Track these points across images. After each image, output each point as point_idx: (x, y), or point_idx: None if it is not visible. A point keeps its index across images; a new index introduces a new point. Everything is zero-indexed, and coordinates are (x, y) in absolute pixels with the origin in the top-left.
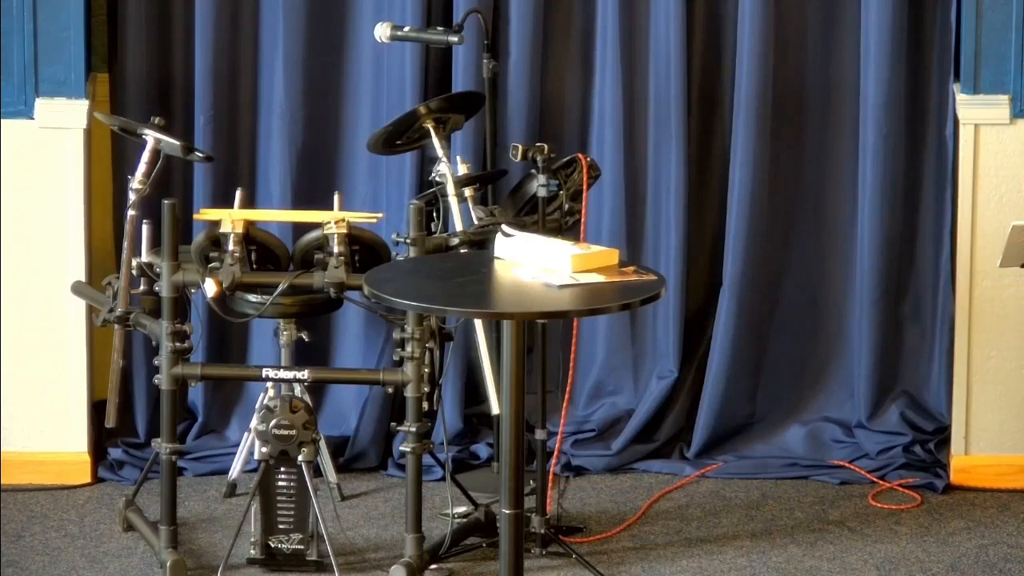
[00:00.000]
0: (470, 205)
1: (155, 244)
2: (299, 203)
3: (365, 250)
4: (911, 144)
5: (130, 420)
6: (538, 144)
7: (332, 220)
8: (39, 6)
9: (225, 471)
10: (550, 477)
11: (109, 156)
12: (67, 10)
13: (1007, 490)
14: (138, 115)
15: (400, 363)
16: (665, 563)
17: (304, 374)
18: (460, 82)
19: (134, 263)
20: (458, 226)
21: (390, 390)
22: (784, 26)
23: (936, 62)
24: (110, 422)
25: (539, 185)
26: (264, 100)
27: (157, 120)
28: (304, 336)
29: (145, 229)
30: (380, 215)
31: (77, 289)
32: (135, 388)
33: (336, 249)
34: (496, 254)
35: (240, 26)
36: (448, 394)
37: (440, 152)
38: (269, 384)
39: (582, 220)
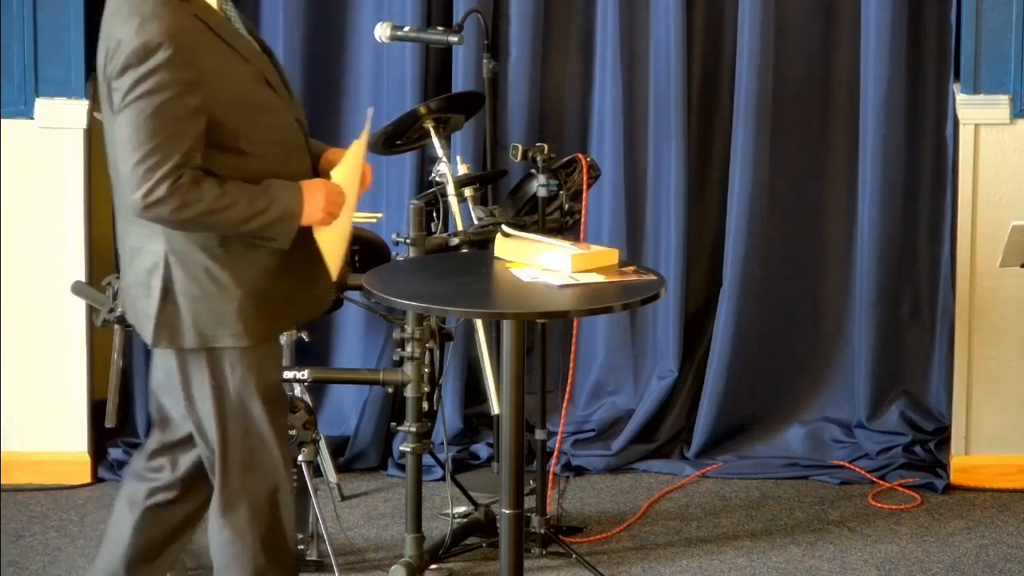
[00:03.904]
0: (470, 205)
1: None
2: None
3: (365, 250)
4: (911, 144)
5: (130, 420)
6: (538, 144)
7: None
8: (39, 6)
9: None
10: (550, 477)
11: None
12: (67, 10)
13: (1007, 490)
14: None
15: (400, 363)
16: (665, 563)
17: (304, 374)
18: (460, 82)
19: None
20: (458, 226)
21: (390, 390)
22: (784, 26)
23: (936, 62)
24: (110, 422)
25: (539, 185)
26: None
27: None
28: (304, 336)
29: None
30: (380, 215)
31: (77, 289)
32: (135, 388)
33: None
34: (496, 254)
35: None
36: (448, 394)
37: (440, 152)
38: None
39: (582, 220)
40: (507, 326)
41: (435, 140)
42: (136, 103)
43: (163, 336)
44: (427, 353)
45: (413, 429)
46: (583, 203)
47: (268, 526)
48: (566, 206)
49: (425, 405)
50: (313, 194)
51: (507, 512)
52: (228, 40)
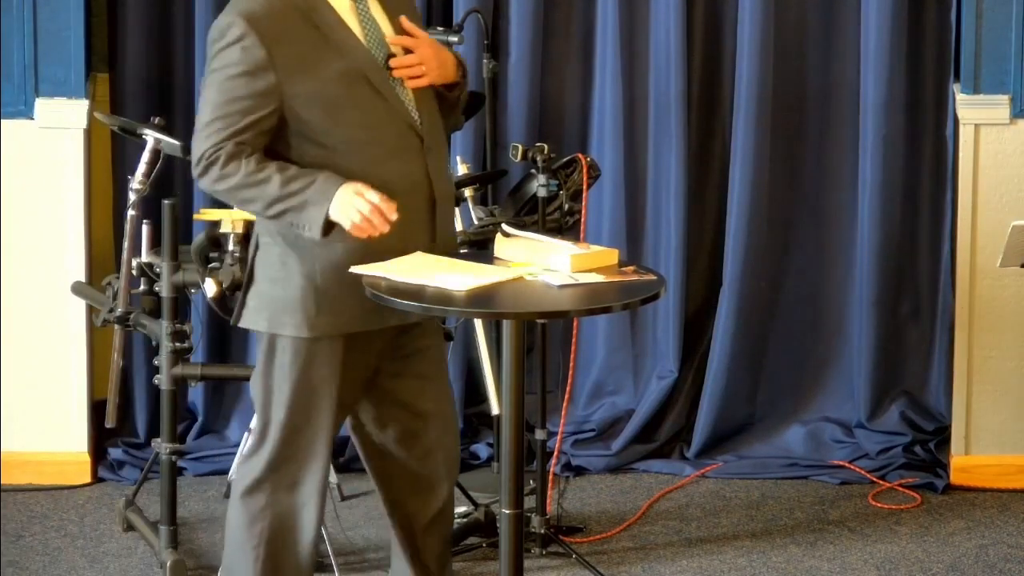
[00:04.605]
0: (470, 205)
1: (155, 244)
2: None
3: None
4: (911, 144)
5: (130, 420)
6: (538, 144)
7: None
8: (39, 6)
9: (225, 471)
10: (550, 477)
11: (109, 156)
12: (67, 10)
13: (1007, 490)
14: (138, 115)
15: None
16: (665, 563)
17: None
18: None
19: (134, 263)
20: (458, 226)
21: None
22: (784, 26)
23: (936, 62)
24: (110, 422)
25: (539, 185)
26: None
27: (157, 120)
28: None
29: (145, 229)
30: None
31: (77, 289)
32: (135, 388)
33: None
34: (496, 254)
35: None
36: None
37: None
38: None
39: (582, 220)
40: (507, 326)
41: None
42: (208, 78)
43: (243, 315)
44: None
45: None
46: (583, 203)
47: (281, 525)
48: (566, 206)
49: None
50: (347, 193)
51: (507, 512)
52: (327, 33)
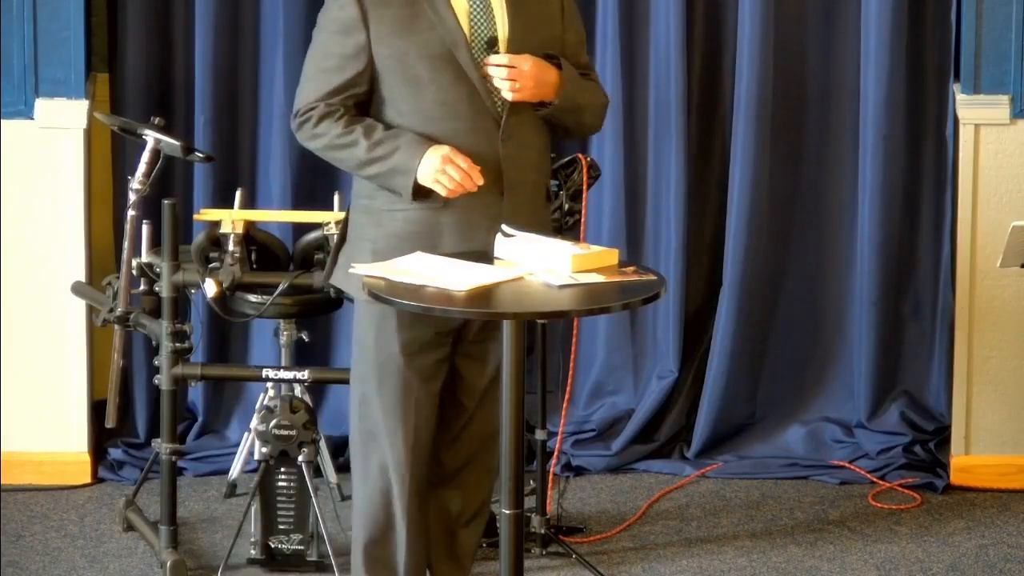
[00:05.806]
0: None
1: (155, 244)
2: (299, 203)
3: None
4: (911, 144)
5: (130, 420)
6: None
7: (332, 220)
8: (39, 6)
9: (225, 471)
10: (550, 477)
11: (109, 156)
12: (67, 10)
13: (1007, 490)
14: (138, 115)
15: None
16: (665, 563)
17: (304, 374)
18: None
19: (134, 263)
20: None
21: None
22: (784, 26)
23: (936, 62)
24: (110, 422)
25: None
26: (264, 100)
27: (157, 120)
28: (304, 336)
29: (145, 229)
30: None
31: (77, 289)
32: (135, 388)
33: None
34: (496, 254)
35: (240, 26)
36: None
37: None
38: (269, 384)
39: (582, 220)
40: (507, 326)
41: None
42: (314, 32)
43: (332, 272)
44: None
45: None
46: (583, 203)
47: (378, 478)
48: (566, 206)
49: None
50: (432, 156)
51: (507, 512)
52: (426, 5)
